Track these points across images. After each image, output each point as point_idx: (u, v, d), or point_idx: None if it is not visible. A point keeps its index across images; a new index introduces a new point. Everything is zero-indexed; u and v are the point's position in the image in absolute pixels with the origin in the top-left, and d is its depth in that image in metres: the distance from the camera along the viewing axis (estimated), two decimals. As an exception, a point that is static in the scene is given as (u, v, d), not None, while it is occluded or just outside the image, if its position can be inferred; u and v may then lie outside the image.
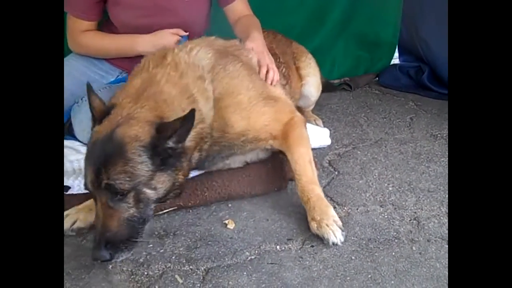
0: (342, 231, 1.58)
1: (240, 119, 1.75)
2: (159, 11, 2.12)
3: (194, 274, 1.45)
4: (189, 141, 1.57)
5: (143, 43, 2.10)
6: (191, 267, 1.48)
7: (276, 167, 1.95)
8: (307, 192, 1.67)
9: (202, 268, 1.47)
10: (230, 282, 1.41)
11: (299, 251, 1.55)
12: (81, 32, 2.18)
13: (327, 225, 1.58)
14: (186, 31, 2.12)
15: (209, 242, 1.59)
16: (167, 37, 2.08)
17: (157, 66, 1.73)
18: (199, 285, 1.40)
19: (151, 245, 1.58)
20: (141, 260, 1.51)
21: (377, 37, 3.25)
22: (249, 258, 1.52)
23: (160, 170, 1.48)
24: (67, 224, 1.63)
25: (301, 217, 1.73)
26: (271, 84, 1.94)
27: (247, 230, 1.66)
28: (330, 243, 1.55)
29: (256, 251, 1.54)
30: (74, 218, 1.65)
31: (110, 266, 1.48)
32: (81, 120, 2.09)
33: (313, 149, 2.13)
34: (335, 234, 1.56)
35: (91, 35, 2.19)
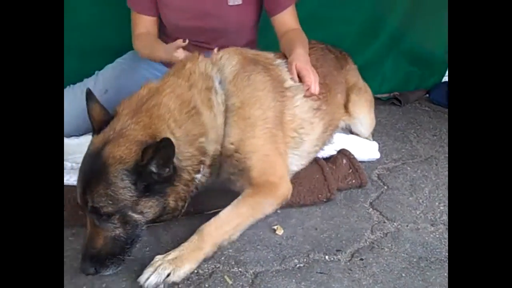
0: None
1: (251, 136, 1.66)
2: (203, 15, 2.17)
3: (243, 277, 1.46)
4: (185, 160, 1.49)
5: (159, 51, 2.07)
6: (240, 269, 1.49)
7: (323, 178, 1.94)
8: (200, 232, 1.50)
9: (251, 271, 1.48)
10: (279, 288, 1.41)
11: (348, 263, 1.53)
12: (142, 28, 2.24)
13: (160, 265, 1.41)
14: (228, 38, 2.14)
15: (258, 246, 1.60)
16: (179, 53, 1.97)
17: (174, 74, 1.65)
18: (248, 287, 1.41)
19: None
20: (191, 258, 1.53)
21: (429, 54, 3.17)
22: (297, 265, 1.52)
23: (146, 196, 1.41)
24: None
25: (350, 229, 1.71)
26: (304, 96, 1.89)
27: (295, 238, 1.65)
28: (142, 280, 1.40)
29: (305, 260, 1.54)
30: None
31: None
32: None
33: (362, 162, 2.13)
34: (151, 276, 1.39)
35: (141, 38, 2.25)
